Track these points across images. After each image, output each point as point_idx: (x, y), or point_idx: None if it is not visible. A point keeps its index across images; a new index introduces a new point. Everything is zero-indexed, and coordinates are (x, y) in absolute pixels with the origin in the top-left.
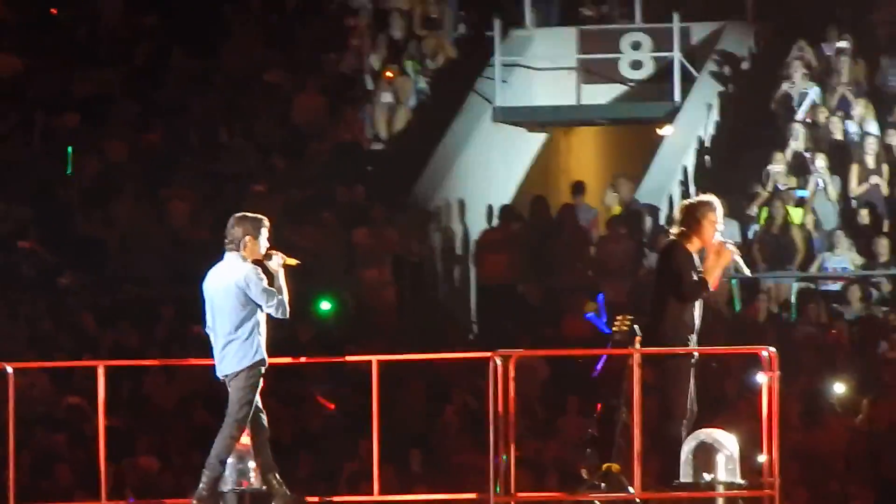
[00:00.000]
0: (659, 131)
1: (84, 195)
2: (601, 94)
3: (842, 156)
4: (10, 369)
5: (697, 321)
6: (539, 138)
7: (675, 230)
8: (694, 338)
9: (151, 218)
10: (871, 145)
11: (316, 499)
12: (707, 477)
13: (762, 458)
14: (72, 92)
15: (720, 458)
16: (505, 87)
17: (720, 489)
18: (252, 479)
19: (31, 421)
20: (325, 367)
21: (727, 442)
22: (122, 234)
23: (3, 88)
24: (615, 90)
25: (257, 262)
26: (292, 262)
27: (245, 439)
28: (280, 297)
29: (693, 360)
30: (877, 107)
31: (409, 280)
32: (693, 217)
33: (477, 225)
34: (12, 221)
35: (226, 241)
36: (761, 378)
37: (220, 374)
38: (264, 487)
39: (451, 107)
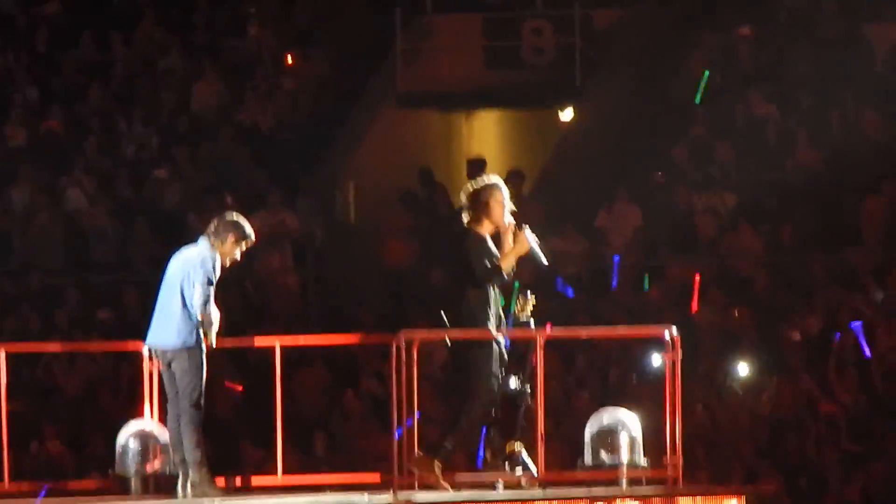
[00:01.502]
0: (561, 115)
1: None
2: (504, 78)
3: (744, 142)
4: None
5: (496, 306)
6: (442, 123)
7: (465, 216)
8: (493, 322)
9: (50, 204)
10: (773, 131)
11: (222, 481)
12: (610, 458)
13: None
14: None
15: (623, 439)
16: (407, 73)
17: (623, 470)
18: (157, 462)
19: None
20: (229, 353)
21: (630, 422)
22: (22, 220)
23: None
24: (518, 75)
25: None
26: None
27: (153, 422)
28: (208, 294)
29: (496, 344)
30: (779, 93)
31: (311, 266)
32: (480, 200)
33: (380, 210)
34: None
35: (209, 226)
36: (663, 359)
37: (151, 344)
38: (175, 469)
39: (354, 92)
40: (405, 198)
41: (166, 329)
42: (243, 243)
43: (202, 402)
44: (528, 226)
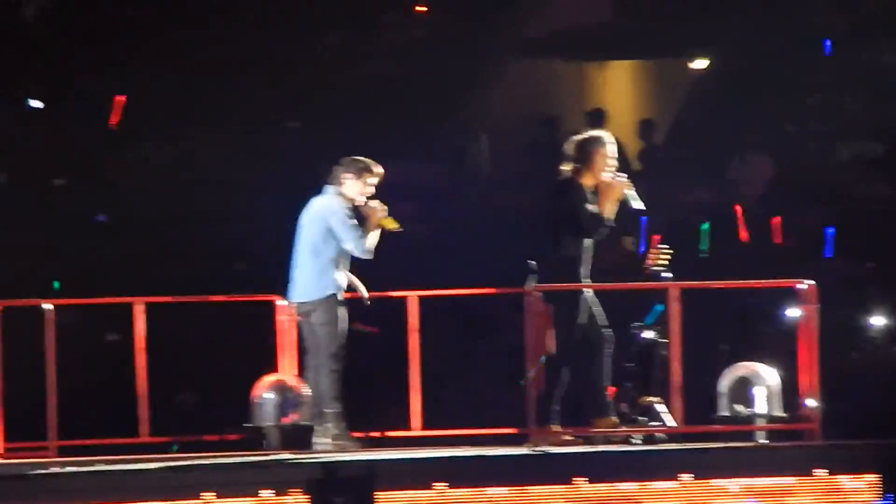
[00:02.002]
0: (692, 64)
1: None
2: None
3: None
4: None
5: (591, 257)
6: (573, 73)
7: (567, 166)
8: (586, 270)
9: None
10: None
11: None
12: (745, 410)
13: (810, 402)
14: None
15: (759, 391)
16: (536, 21)
17: (761, 422)
18: (293, 415)
19: None
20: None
21: (766, 375)
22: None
23: None
24: (648, 23)
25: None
26: (393, 225)
27: (289, 374)
28: (361, 235)
29: (586, 295)
30: None
31: (443, 217)
32: (585, 152)
33: (511, 161)
34: None
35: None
36: (799, 310)
37: (291, 299)
38: (310, 422)
39: (484, 42)
40: (530, 147)
41: (303, 282)
42: (366, 177)
43: (342, 353)
44: (623, 174)
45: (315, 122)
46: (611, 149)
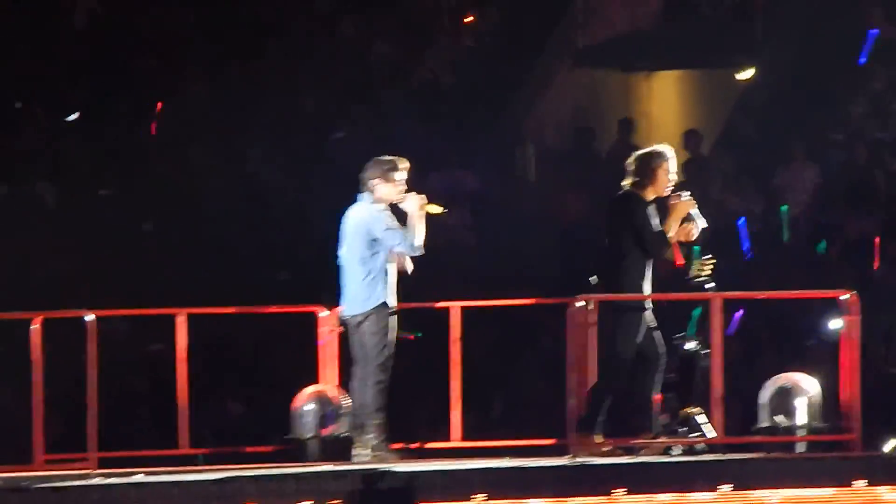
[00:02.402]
0: (739, 74)
1: None
2: (682, 34)
3: None
4: None
5: (651, 273)
6: (620, 81)
7: (628, 181)
8: (648, 287)
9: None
10: None
11: (398, 445)
12: (785, 421)
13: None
14: None
15: (800, 402)
16: (586, 29)
17: (801, 433)
18: (333, 426)
19: None
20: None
21: (807, 386)
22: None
23: None
24: (697, 31)
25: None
26: (436, 209)
27: (330, 385)
28: (406, 232)
29: (646, 309)
30: None
31: (490, 225)
32: (648, 167)
33: (559, 169)
34: None
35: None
36: (840, 323)
37: (348, 312)
38: (351, 433)
39: (533, 49)
40: (573, 156)
41: (353, 293)
42: (394, 175)
43: (390, 364)
44: (687, 192)
45: (362, 131)
46: (673, 164)
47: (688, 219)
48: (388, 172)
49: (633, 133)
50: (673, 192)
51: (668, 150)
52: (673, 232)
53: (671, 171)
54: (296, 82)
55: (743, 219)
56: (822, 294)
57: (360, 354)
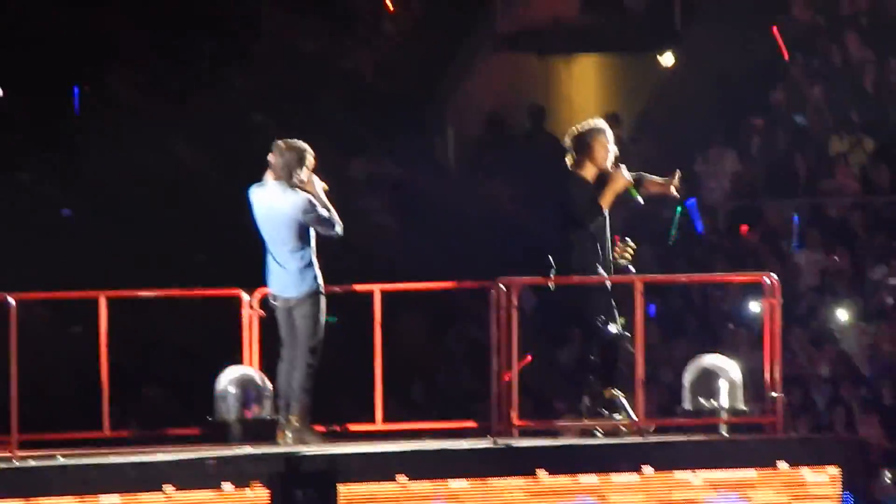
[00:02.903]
0: (660, 60)
1: None
2: (602, 22)
3: (840, 86)
4: None
5: (605, 251)
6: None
7: (568, 159)
8: (601, 263)
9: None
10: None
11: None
12: (709, 403)
13: (774, 395)
14: None
15: (722, 384)
16: (506, 15)
17: (723, 415)
18: (256, 408)
19: None
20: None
21: (729, 368)
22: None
23: None
24: (616, 18)
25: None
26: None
27: (253, 367)
28: (332, 216)
29: (609, 288)
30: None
31: (410, 210)
32: (584, 143)
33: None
34: None
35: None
36: (761, 305)
37: (276, 293)
38: (276, 416)
39: (454, 36)
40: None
41: (287, 278)
42: (307, 155)
43: (320, 348)
44: (623, 165)
45: (282, 116)
46: (609, 136)
47: (626, 193)
48: (302, 152)
49: (545, 119)
50: (613, 165)
51: (603, 124)
52: (606, 203)
53: (608, 143)
54: (219, 68)
55: (693, 199)
56: (743, 277)
57: (290, 337)
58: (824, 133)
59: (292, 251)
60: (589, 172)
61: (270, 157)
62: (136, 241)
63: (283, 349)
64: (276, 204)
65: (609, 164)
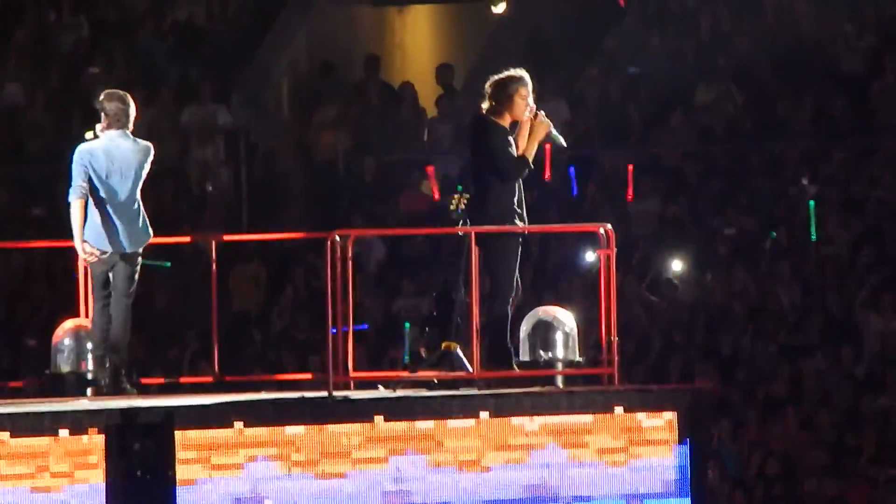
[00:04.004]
0: (493, 8)
1: None
2: None
3: (677, 33)
4: None
5: (520, 198)
6: (374, 16)
7: (485, 105)
8: (518, 214)
9: None
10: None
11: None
12: (545, 355)
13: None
14: None
15: (559, 336)
16: None
17: (559, 367)
18: (93, 360)
19: None
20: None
21: (565, 319)
22: None
23: None
24: None
25: None
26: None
27: (89, 320)
28: None
29: (520, 240)
30: None
31: (244, 160)
32: (504, 92)
33: (312, 104)
34: None
35: (112, 119)
36: (597, 255)
37: (127, 249)
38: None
39: None
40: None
41: (136, 231)
42: (130, 102)
43: (133, 295)
44: (543, 111)
45: (118, 67)
46: (529, 88)
47: (547, 138)
48: (126, 100)
49: (380, 69)
50: (533, 110)
51: (525, 75)
52: (531, 154)
53: (528, 96)
54: (45, 16)
55: (572, 166)
56: (578, 228)
57: (105, 290)
58: (659, 81)
59: (137, 203)
60: (504, 122)
61: (106, 107)
62: None
63: (98, 301)
64: (124, 152)
65: (525, 116)
